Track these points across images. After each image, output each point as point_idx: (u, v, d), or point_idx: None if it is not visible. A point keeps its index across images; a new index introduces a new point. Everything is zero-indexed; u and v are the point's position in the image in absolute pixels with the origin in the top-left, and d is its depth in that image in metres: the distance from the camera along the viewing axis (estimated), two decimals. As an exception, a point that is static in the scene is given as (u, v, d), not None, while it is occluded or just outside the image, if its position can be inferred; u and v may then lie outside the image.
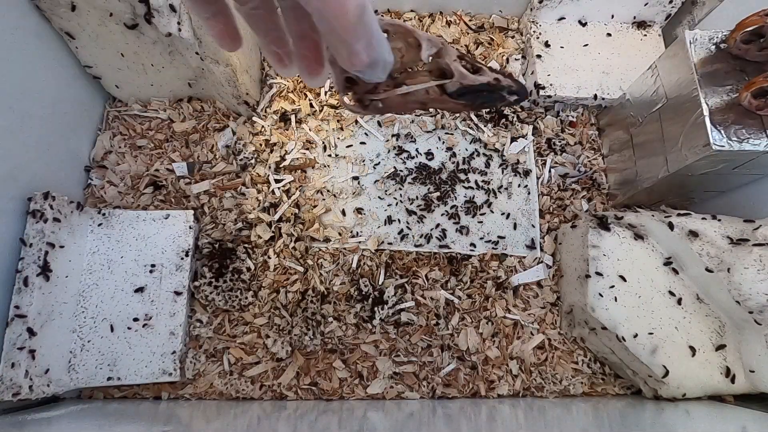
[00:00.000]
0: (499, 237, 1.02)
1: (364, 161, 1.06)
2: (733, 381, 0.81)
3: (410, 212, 1.02)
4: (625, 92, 1.01)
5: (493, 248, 1.00)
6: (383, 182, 1.04)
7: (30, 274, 0.76)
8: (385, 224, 1.01)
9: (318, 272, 0.96)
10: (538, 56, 1.10)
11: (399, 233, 1.00)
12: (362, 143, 1.07)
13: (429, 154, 1.07)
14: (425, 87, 0.39)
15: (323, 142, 1.06)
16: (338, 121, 1.08)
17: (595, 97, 1.07)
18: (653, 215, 0.86)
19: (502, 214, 1.03)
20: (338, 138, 1.07)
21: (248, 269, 0.94)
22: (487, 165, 1.07)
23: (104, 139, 1.02)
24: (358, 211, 1.02)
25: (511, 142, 1.08)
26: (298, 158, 1.04)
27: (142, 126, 1.04)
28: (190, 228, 0.92)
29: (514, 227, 1.03)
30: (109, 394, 0.87)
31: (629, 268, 0.86)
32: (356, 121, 1.09)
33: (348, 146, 1.07)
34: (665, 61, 0.87)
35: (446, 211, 1.03)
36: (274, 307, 0.93)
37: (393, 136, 1.08)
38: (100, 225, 0.90)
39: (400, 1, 1.17)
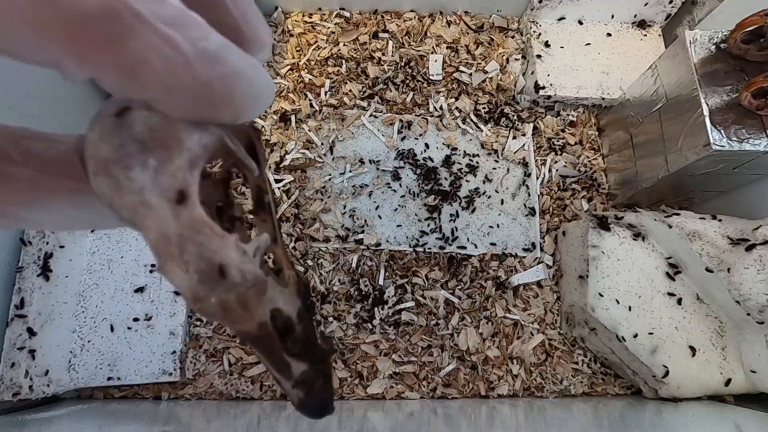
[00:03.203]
0: (498, 236, 1.02)
1: (364, 161, 1.06)
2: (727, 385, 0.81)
3: (410, 212, 1.02)
4: (625, 92, 1.01)
5: (493, 248, 1.00)
6: (383, 182, 1.04)
7: (30, 274, 0.76)
8: (384, 223, 1.01)
9: (318, 272, 0.96)
10: (538, 56, 1.10)
11: (399, 232, 1.00)
12: (362, 143, 1.07)
13: (429, 153, 1.07)
14: None
15: (323, 142, 1.06)
16: (341, 120, 1.08)
17: (594, 104, 1.07)
18: (653, 215, 0.86)
19: (502, 213, 1.04)
20: (338, 138, 1.07)
21: (248, 269, 0.94)
22: (487, 164, 1.07)
23: (104, 139, 1.01)
24: (359, 210, 1.02)
25: (511, 141, 1.08)
26: (298, 158, 1.04)
27: (142, 126, 1.04)
28: (190, 228, 0.92)
29: (515, 227, 1.03)
30: (109, 394, 0.87)
31: (629, 268, 0.86)
32: (357, 120, 1.09)
33: (348, 146, 1.07)
34: (665, 61, 0.87)
35: (446, 210, 1.03)
36: (274, 307, 0.93)
37: (393, 135, 1.08)
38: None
39: (400, 1, 1.17)
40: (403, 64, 1.13)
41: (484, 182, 1.06)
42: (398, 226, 1.01)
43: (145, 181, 0.19)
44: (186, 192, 0.20)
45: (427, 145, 1.08)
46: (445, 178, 1.05)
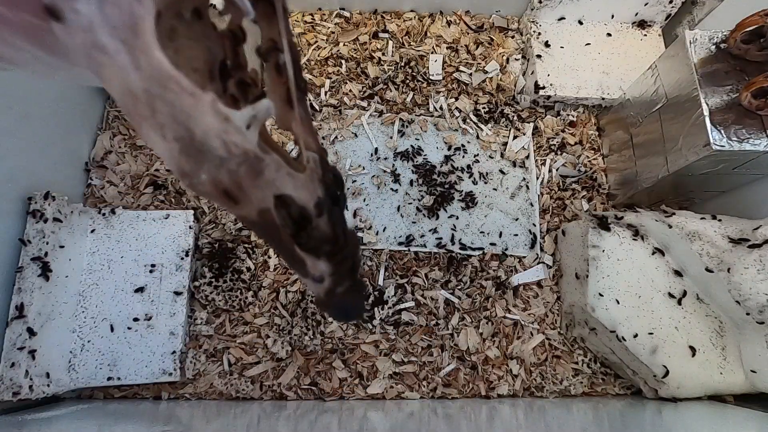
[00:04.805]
0: (498, 236, 1.02)
1: (364, 161, 1.06)
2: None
3: (410, 211, 1.02)
4: (625, 92, 1.01)
5: (493, 248, 1.00)
6: (383, 181, 1.04)
7: (30, 275, 0.76)
8: (385, 223, 1.01)
9: (318, 272, 0.96)
10: (538, 56, 1.10)
11: (399, 232, 1.00)
12: (363, 143, 1.07)
13: (429, 153, 1.07)
14: None
15: (323, 142, 1.06)
16: (339, 120, 1.08)
17: (594, 104, 1.07)
18: (653, 215, 0.86)
19: (502, 213, 1.03)
20: (339, 137, 1.07)
21: (248, 269, 0.94)
22: (488, 164, 1.07)
23: (104, 139, 1.01)
24: (359, 210, 1.02)
25: (511, 141, 1.08)
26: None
27: (142, 126, 1.04)
28: (190, 228, 0.92)
29: (515, 227, 1.03)
30: (109, 394, 0.87)
31: (629, 268, 0.86)
32: (357, 120, 1.09)
33: (348, 146, 1.07)
34: (665, 61, 0.87)
35: (446, 210, 1.03)
36: (274, 307, 0.93)
37: (393, 135, 1.08)
38: (100, 225, 0.90)
39: (400, 1, 1.17)
40: (403, 64, 1.13)
41: (483, 182, 1.06)
42: (398, 226, 1.01)
43: (92, 14, 0.15)
44: (136, 28, 0.15)
45: (427, 145, 1.08)
46: (445, 178, 1.05)
